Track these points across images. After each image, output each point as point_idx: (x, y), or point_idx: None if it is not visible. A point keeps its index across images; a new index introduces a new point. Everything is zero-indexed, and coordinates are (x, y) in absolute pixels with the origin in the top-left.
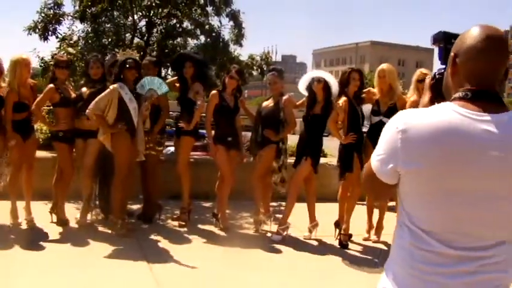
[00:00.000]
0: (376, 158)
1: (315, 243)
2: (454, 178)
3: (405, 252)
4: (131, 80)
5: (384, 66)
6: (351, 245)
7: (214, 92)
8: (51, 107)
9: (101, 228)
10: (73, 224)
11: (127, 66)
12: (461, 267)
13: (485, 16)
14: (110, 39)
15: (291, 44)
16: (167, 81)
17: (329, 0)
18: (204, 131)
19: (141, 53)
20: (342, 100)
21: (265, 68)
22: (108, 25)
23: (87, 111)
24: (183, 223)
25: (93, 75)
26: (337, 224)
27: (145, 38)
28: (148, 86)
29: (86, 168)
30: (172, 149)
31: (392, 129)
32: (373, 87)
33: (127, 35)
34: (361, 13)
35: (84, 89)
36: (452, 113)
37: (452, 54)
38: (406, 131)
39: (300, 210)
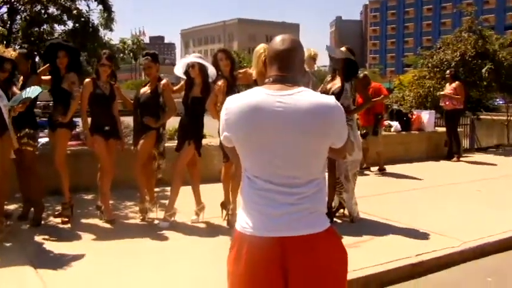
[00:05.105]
0: (220, 130)
1: (204, 225)
2: (258, 135)
3: (247, 194)
4: (2, 80)
5: (263, 46)
6: None
7: (88, 80)
8: None
9: None
10: None
11: (1, 68)
12: (283, 200)
13: None
14: None
15: (158, 25)
16: (40, 69)
17: None
18: (77, 119)
19: (4, 42)
20: (220, 82)
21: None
22: None
23: None
24: (66, 219)
25: None
26: (224, 205)
27: (7, 26)
28: (21, 98)
29: None
30: (43, 140)
31: (223, 109)
32: (246, 66)
33: None
34: None
35: None
36: (259, 93)
37: (263, 59)
38: (227, 109)
39: (185, 194)
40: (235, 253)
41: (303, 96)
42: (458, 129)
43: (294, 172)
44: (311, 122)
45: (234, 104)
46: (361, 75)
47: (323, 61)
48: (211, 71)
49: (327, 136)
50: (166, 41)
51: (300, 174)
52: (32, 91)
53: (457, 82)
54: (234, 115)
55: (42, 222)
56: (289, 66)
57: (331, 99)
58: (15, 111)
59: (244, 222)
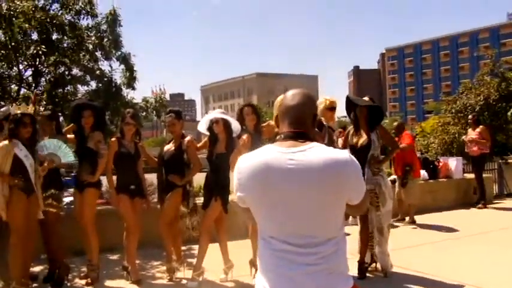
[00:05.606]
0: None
1: (232, 284)
2: (271, 195)
3: (263, 256)
4: (26, 137)
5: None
6: None
7: (113, 139)
8: None
9: None
10: None
11: (22, 123)
12: (301, 260)
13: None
14: None
15: (178, 82)
16: (64, 129)
17: (210, 35)
18: (101, 177)
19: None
20: (245, 136)
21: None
22: None
23: None
24: (91, 281)
25: None
26: (253, 262)
27: (32, 88)
28: (50, 150)
29: None
30: (67, 200)
31: (236, 169)
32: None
33: (12, 86)
34: (245, 45)
35: None
36: (271, 151)
37: (275, 114)
38: (239, 168)
39: (212, 251)
40: None
41: (315, 152)
42: (486, 175)
43: (310, 231)
44: (324, 178)
45: (246, 163)
46: (395, 123)
47: (342, 111)
48: (235, 126)
49: (341, 192)
50: (186, 97)
51: (317, 233)
52: (65, 155)
53: (481, 126)
54: (245, 175)
55: (68, 283)
56: (300, 121)
57: (344, 154)
58: (43, 170)
59: (262, 287)
